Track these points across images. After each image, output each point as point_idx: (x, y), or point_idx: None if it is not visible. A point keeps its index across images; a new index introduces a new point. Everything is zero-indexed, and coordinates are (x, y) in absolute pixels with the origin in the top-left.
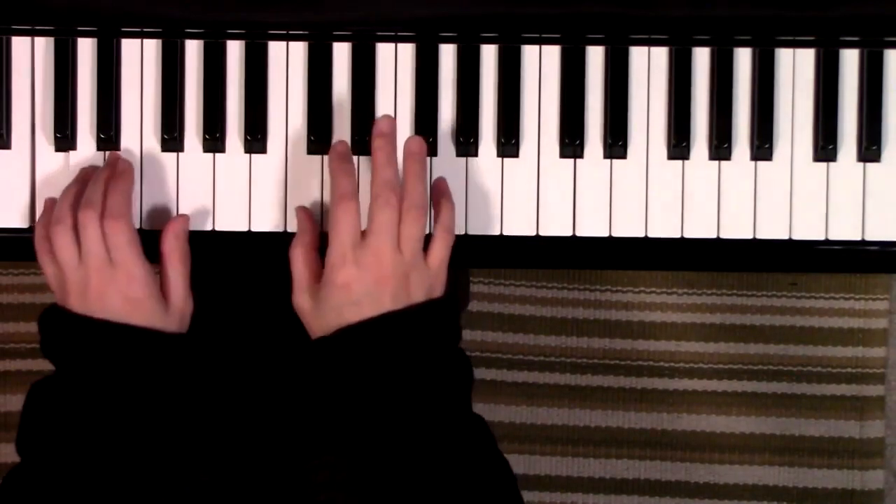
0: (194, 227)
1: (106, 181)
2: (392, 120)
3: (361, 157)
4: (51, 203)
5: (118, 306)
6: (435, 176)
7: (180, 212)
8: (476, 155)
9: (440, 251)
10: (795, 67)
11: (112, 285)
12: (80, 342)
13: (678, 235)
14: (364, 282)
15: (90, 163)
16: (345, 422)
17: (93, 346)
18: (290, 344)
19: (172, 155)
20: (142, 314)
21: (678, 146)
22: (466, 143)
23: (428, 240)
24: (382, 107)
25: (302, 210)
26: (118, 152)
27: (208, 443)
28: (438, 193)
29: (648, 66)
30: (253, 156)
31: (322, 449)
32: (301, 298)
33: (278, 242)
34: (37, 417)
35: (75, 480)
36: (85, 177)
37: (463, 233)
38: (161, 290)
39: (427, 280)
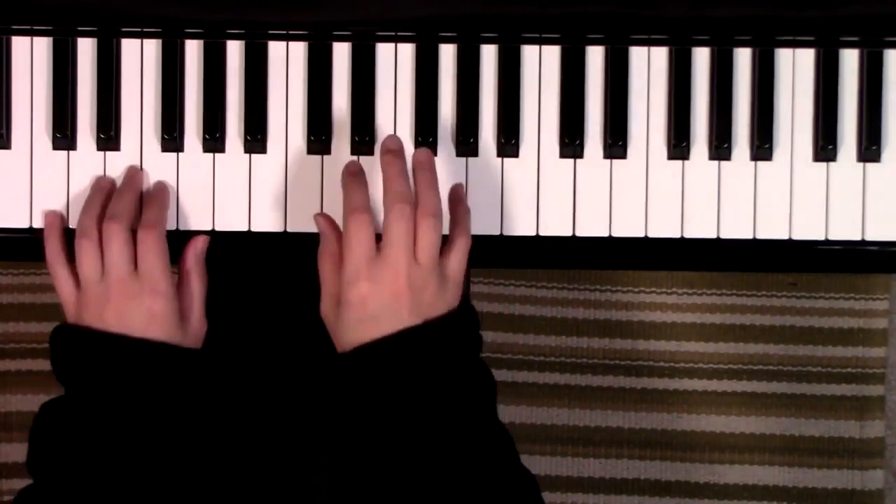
0: (194, 227)
1: (134, 195)
2: (398, 138)
3: (363, 157)
4: (53, 219)
5: (138, 320)
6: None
7: (180, 212)
8: (476, 155)
9: (457, 257)
10: (795, 67)
11: (134, 298)
12: (98, 358)
13: (678, 235)
14: (380, 297)
15: (90, 163)
16: (363, 435)
17: (111, 362)
18: (292, 346)
19: (172, 155)
20: (161, 328)
21: (678, 146)
22: (466, 143)
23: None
24: (382, 107)
25: (323, 217)
26: (138, 169)
27: (209, 443)
28: (455, 200)
29: (648, 66)
30: (253, 156)
31: (327, 451)
32: (327, 308)
33: (278, 242)
34: (50, 437)
35: (90, 500)
36: (102, 187)
37: None
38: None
39: (445, 289)
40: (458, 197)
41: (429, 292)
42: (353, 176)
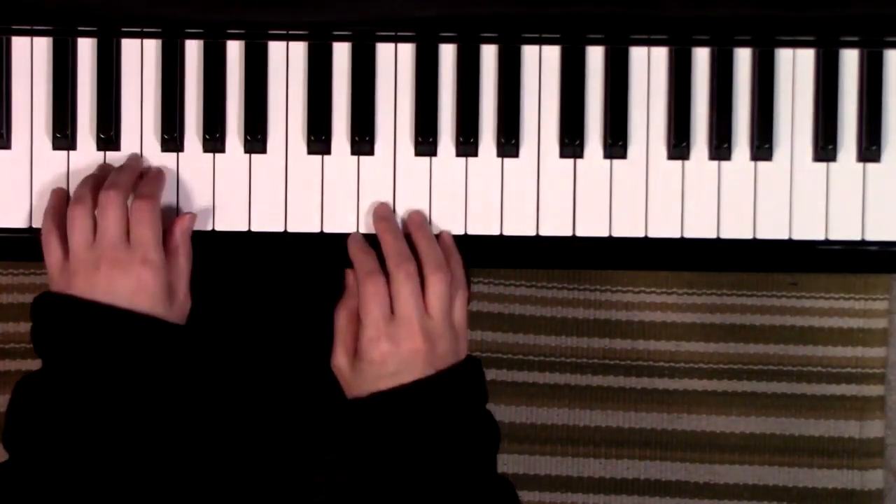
0: (194, 227)
1: (134, 172)
2: (387, 205)
3: (362, 157)
4: (60, 192)
5: (127, 289)
6: (435, 176)
7: (181, 212)
8: (476, 155)
9: (460, 309)
10: (795, 67)
11: (124, 266)
12: (82, 326)
13: (678, 235)
14: (398, 354)
15: (90, 163)
16: (373, 477)
17: (95, 330)
18: (290, 346)
19: (172, 155)
20: (148, 300)
21: (678, 146)
22: (466, 143)
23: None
24: (382, 107)
25: (353, 275)
26: (138, 156)
27: (205, 440)
28: (447, 252)
29: (648, 66)
30: (253, 156)
31: (327, 451)
32: (341, 361)
33: (278, 242)
34: (28, 412)
35: (68, 476)
36: (101, 167)
37: (463, 233)
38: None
39: (455, 341)
40: (448, 249)
41: (442, 344)
42: (359, 243)
